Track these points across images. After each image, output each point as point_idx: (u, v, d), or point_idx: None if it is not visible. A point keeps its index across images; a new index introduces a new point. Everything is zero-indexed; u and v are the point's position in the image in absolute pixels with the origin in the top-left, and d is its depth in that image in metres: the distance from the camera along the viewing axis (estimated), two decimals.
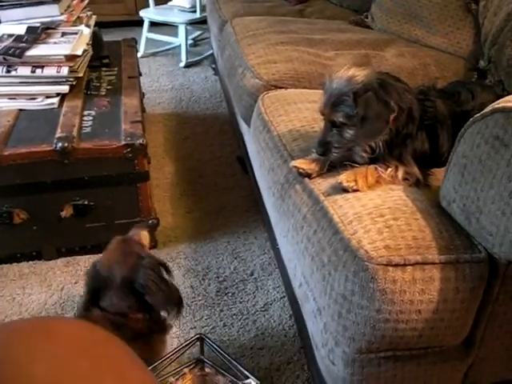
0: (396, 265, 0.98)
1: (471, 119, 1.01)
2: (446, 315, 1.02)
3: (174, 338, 1.67)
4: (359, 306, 1.01)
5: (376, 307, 0.99)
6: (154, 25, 4.13)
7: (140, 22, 4.15)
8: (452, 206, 1.07)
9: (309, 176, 1.30)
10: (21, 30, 2.26)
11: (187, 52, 3.97)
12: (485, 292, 1.06)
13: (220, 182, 2.53)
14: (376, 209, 1.10)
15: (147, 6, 4.17)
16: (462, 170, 1.02)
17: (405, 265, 0.99)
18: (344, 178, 1.18)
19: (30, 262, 2.00)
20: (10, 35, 2.22)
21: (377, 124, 1.20)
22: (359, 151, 1.25)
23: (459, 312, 1.03)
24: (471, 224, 1.02)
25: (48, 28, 2.33)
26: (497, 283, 1.06)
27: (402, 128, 1.22)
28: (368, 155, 1.25)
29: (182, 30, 3.97)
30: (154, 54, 4.19)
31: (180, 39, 4.05)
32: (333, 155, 1.26)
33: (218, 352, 1.40)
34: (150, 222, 2.00)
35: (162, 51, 4.24)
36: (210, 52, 3.84)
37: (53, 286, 1.90)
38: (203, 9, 3.84)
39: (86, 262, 2.00)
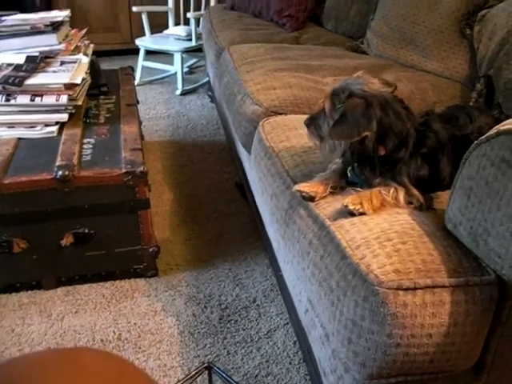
0: (406, 289, 0.98)
1: (476, 142, 1.01)
2: (457, 339, 1.02)
3: (177, 368, 1.65)
4: (370, 331, 1.00)
5: (387, 332, 0.98)
6: (149, 53, 4.16)
7: (136, 51, 4.19)
8: (458, 229, 1.07)
9: (312, 199, 1.30)
10: (20, 59, 2.27)
11: (183, 80, 4.00)
12: (494, 314, 1.05)
13: (219, 208, 2.52)
14: (383, 233, 1.09)
15: (143, 34, 4.21)
16: (468, 192, 1.02)
17: (415, 288, 0.98)
18: (350, 201, 1.18)
19: (30, 292, 1.97)
20: (10, 64, 2.23)
21: (348, 129, 1.22)
22: (325, 146, 1.30)
23: (470, 335, 1.03)
24: (479, 246, 1.02)
25: (47, 57, 2.34)
26: (507, 305, 1.06)
27: (392, 152, 1.24)
28: (330, 154, 1.31)
29: (177, 58, 4.00)
30: (150, 82, 4.21)
31: (176, 67, 4.09)
32: (310, 132, 1.33)
33: (227, 381, 1.38)
34: (151, 249, 1.99)
35: (158, 79, 4.27)
36: (206, 79, 3.86)
37: (53, 315, 1.87)
38: (199, 37, 3.89)
39: (86, 291, 1.98)
